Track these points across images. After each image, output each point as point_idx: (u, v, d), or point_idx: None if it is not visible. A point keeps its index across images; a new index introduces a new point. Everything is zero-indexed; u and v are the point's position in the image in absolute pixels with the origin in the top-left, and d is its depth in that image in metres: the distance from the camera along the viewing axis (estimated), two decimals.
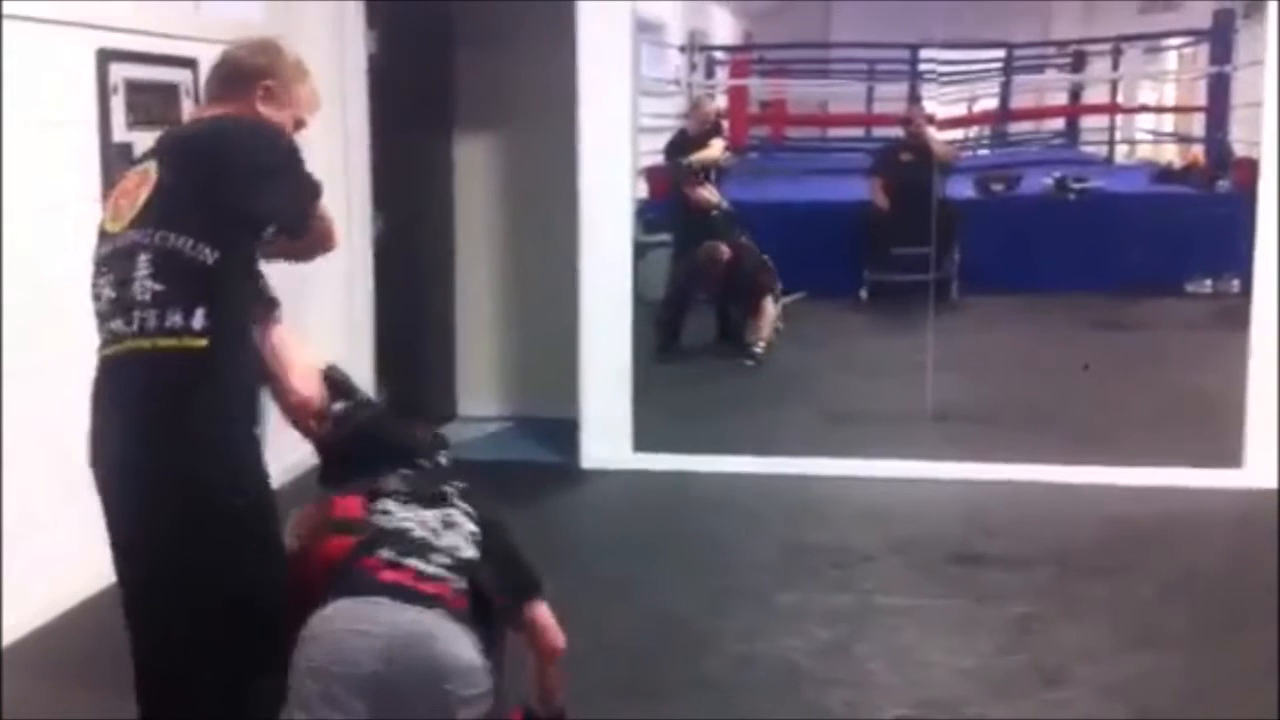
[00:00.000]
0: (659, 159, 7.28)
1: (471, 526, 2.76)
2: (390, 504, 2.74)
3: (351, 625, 2.46)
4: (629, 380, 6.00)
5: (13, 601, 4.04)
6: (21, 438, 4.07)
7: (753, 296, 7.14)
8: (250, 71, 2.69)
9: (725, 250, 7.11)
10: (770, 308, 7.18)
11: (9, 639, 4.06)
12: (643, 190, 6.88)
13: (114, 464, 2.46)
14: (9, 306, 4.03)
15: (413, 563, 2.59)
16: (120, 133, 4.48)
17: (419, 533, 2.67)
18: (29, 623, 4.15)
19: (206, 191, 2.50)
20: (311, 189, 2.72)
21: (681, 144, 7.26)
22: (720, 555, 4.91)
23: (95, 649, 4.04)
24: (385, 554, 2.59)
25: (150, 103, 4.63)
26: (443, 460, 2.96)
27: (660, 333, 7.01)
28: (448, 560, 2.63)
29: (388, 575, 2.55)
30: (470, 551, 2.70)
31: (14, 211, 4.04)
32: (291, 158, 2.66)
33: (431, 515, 2.73)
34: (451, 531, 2.72)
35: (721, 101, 8.15)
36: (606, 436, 6.00)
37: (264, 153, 2.62)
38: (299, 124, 2.76)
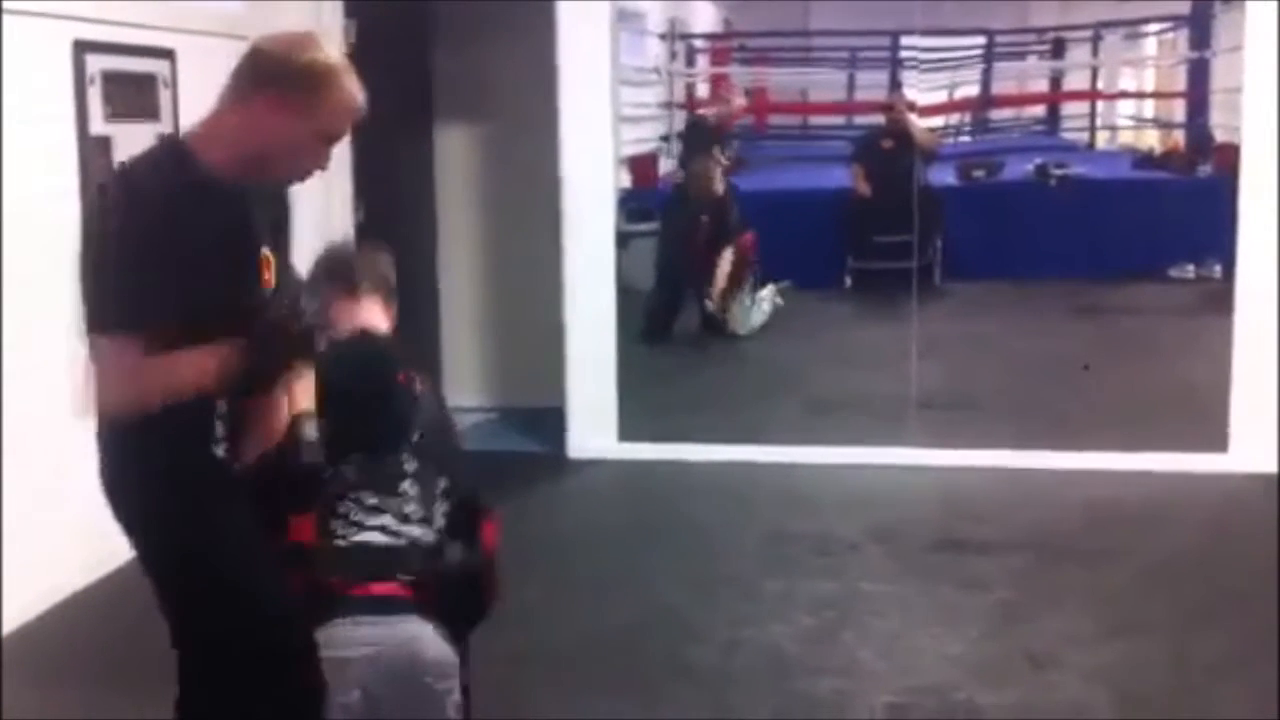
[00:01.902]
0: (641, 148, 7.27)
1: (430, 505, 2.72)
2: (351, 510, 2.67)
3: (336, 652, 2.47)
4: (614, 369, 5.99)
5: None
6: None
7: (721, 245, 7.15)
8: (258, 76, 2.33)
9: (720, 183, 7.13)
10: (728, 261, 7.19)
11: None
12: (625, 180, 6.87)
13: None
14: None
15: (380, 571, 2.60)
16: (98, 125, 4.44)
17: (380, 540, 2.64)
18: (14, 619, 4.13)
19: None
20: (107, 298, 2.20)
21: (703, 130, 7.28)
22: (706, 544, 4.91)
23: (79, 646, 4.05)
24: (351, 574, 2.59)
25: (127, 94, 4.59)
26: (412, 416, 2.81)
27: (652, 320, 7.01)
28: (412, 558, 2.64)
29: (359, 590, 2.57)
30: (430, 534, 2.70)
31: None
32: (107, 240, 2.20)
33: (389, 510, 2.68)
34: (411, 522, 2.69)
35: (702, 90, 8.16)
36: (592, 426, 5.98)
37: (93, 223, 2.25)
38: (327, 138, 2.38)
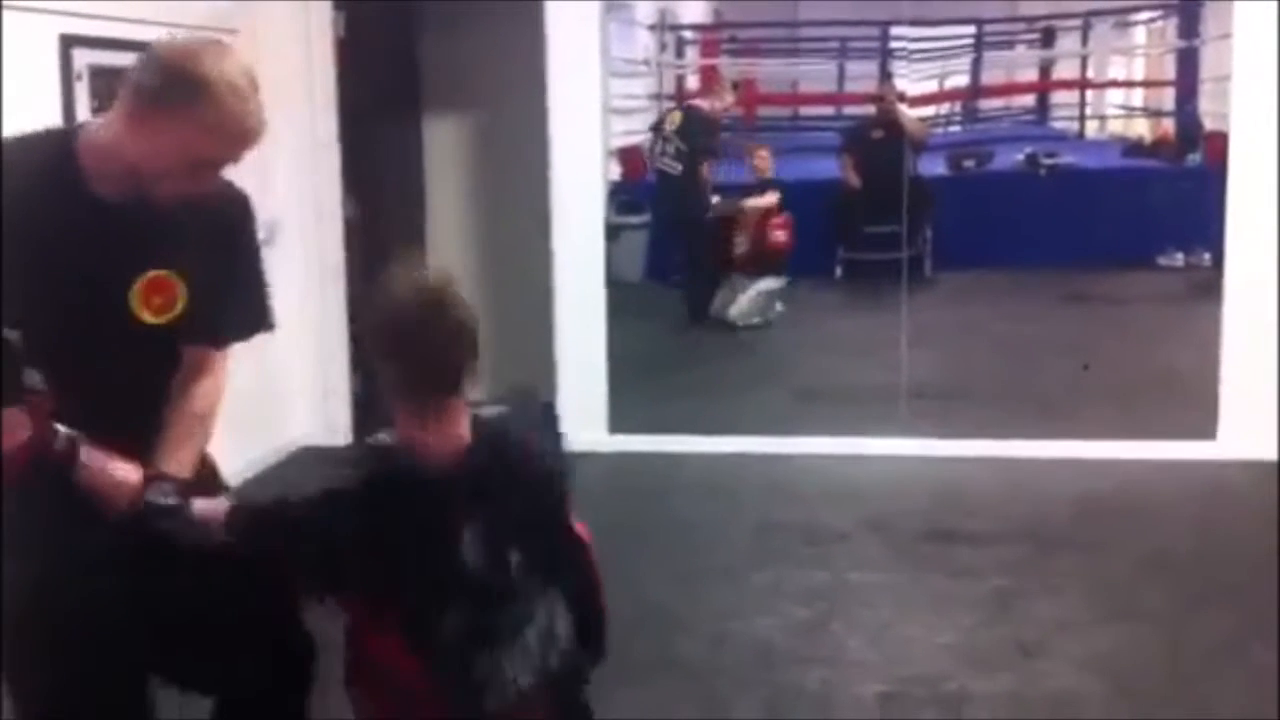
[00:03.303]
0: (630, 139, 7.28)
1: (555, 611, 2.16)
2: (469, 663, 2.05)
3: None
4: (604, 362, 5.98)
5: None
6: None
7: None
8: (140, 82, 2.06)
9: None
10: (757, 204, 7.33)
11: None
12: (615, 171, 6.88)
13: None
14: None
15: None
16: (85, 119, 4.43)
17: (519, 682, 2.06)
18: None
19: None
20: None
21: (698, 119, 7.27)
22: (696, 535, 4.91)
23: None
24: None
25: (115, 89, 4.57)
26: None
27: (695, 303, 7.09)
28: (552, 688, 2.14)
29: None
30: (568, 646, 2.16)
31: None
32: None
33: (520, 653, 2.08)
34: (548, 643, 2.13)
35: (692, 81, 8.17)
36: (582, 418, 5.97)
37: None
38: (201, 163, 2.07)
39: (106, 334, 2.13)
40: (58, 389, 2.06)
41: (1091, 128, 9.25)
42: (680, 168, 7.18)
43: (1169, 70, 8.83)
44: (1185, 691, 3.57)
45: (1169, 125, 8.60)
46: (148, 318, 2.15)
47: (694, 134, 7.21)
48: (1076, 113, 9.23)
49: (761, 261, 7.32)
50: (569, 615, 2.17)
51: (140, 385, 2.21)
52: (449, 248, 6.88)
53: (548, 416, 2.28)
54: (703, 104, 7.35)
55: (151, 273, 2.15)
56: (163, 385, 2.25)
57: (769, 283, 7.30)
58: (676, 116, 7.33)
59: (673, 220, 7.27)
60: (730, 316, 7.24)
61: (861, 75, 8.39)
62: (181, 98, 2.01)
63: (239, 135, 2.05)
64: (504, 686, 2.03)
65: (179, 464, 2.20)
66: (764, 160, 7.42)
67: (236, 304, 2.32)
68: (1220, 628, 3.94)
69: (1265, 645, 3.71)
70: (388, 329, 2.05)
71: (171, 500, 2.12)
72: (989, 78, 9.10)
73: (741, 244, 7.35)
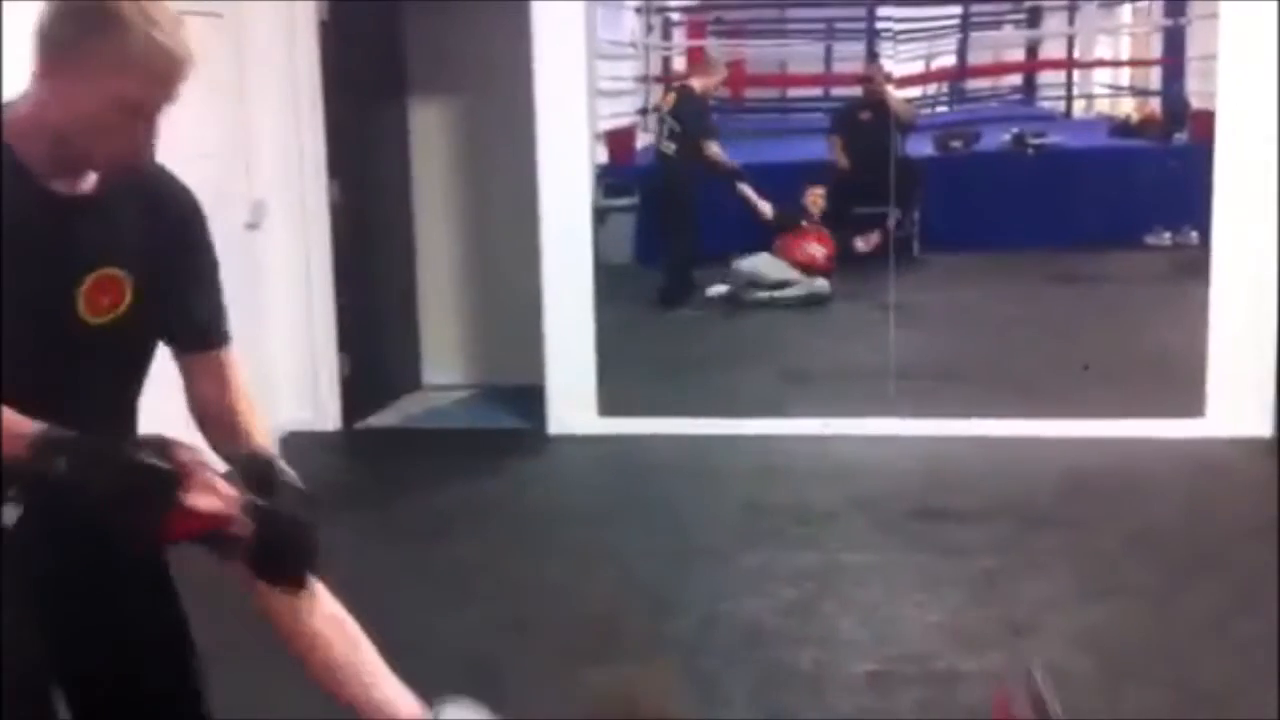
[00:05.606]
0: (618, 122, 7.26)
1: None
2: None
3: None
4: (593, 345, 5.98)
5: None
6: None
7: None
8: (50, 30, 1.81)
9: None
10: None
11: None
12: (602, 154, 6.85)
13: None
14: None
15: None
16: None
17: None
18: None
19: None
20: None
21: (690, 99, 7.22)
22: (685, 517, 4.91)
23: None
24: None
25: None
26: None
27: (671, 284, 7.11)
28: None
29: None
30: None
31: None
32: None
33: None
34: None
35: (679, 63, 8.14)
36: (572, 401, 5.98)
37: None
38: (128, 108, 1.80)
39: (54, 336, 1.93)
40: (8, 395, 1.85)
41: (1079, 107, 9.24)
42: (675, 148, 7.14)
43: (1155, 49, 8.82)
44: (1174, 666, 3.58)
45: (1155, 104, 8.59)
46: (90, 318, 1.95)
47: (688, 114, 7.19)
48: (1063, 92, 9.21)
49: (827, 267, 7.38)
50: None
51: (91, 392, 2.01)
52: (437, 230, 6.87)
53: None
54: (695, 83, 7.32)
55: (100, 271, 1.94)
56: (122, 391, 2.09)
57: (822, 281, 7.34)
58: (671, 97, 7.30)
59: (662, 200, 7.24)
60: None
61: (849, 56, 8.36)
62: (90, 34, 1.78)
63: (162, 67, 1.80)
64: None
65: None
66: (817, 200, 7.47)
67: (216, 300, 2.13)
68: (1209, 603, 3.96)
69: (1252, 619, 3.73)
70: None
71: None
72: (976, 58, 9.07)
73: (818, 251, 7.36)
